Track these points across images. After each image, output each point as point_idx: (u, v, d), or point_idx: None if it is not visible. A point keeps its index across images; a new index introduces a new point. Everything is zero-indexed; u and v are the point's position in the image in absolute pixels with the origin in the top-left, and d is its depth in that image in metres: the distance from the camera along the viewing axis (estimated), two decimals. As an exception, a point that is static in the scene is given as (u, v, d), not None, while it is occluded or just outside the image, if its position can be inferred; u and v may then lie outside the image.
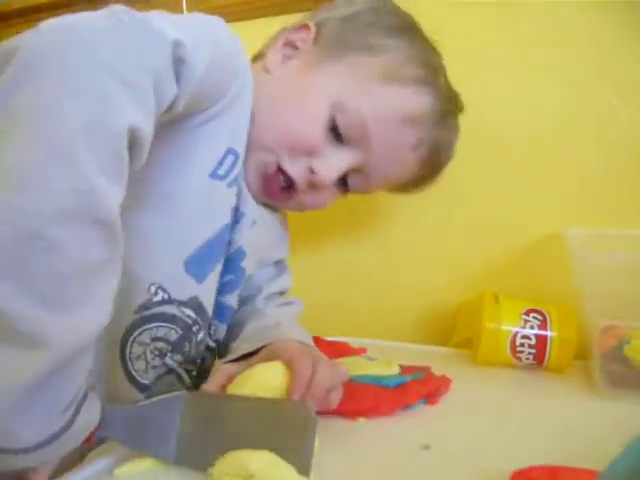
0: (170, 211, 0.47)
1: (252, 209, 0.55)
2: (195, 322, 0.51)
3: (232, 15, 0.78)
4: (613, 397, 0.53)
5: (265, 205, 0.59)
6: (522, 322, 0.60)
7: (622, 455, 0.27)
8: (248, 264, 0.56)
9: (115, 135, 0.30)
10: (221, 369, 0.45)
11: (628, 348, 0.54)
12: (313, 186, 0.55)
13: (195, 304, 0.50)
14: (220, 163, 0.48)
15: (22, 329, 0.27)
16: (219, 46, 0.43)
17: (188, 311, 0.50)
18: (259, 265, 0.60)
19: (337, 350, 0.65)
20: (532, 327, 0.59)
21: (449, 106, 0.57)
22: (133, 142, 0.32)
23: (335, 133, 0.53)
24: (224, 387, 0.42)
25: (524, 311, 0.60)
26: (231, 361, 0.49)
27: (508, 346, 0.60)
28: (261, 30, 0.62)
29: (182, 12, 0.87)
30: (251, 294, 0.60)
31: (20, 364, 0.27)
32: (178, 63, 0.36)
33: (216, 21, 0.46)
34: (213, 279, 0.52)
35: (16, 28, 1.06)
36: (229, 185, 0.50)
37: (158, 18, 0.36)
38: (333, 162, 0.54)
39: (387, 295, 0.79)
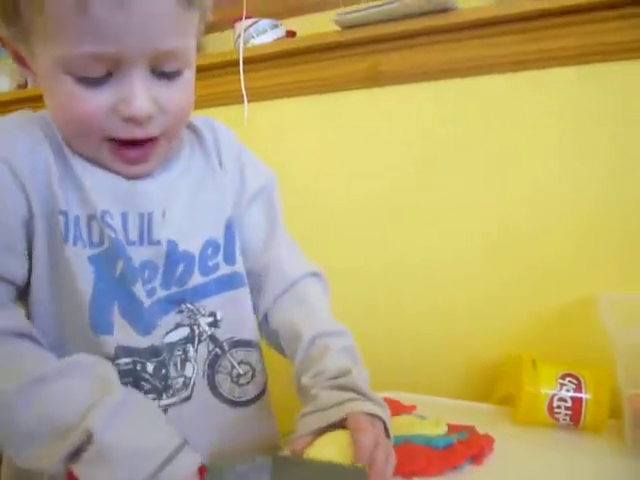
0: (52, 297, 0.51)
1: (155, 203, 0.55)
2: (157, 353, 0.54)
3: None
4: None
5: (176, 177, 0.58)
6: (558, 386, 0.66)
7: None
8: (188, 244, 0.57)
9: None
10: (299, 440, 0.50)
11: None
12: (146, 120, 0.49)
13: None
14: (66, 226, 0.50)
15: None
16: None
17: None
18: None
19: (391, 408, 0.72)
20: (568, 390, 0.65)
21: None
22: None
23: (87, 80, 0.47)
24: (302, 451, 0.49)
25: (560, 375, 0.66)
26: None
27: (546, 408, 0.66)
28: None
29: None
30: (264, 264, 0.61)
31: None
32: None
33: None
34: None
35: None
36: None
37: None
38: (127, 95, 0.47)
39: (433, 352, 0.86)
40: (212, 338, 0.58)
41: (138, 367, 0.52)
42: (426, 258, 0.89)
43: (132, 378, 0.52)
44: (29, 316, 0.51)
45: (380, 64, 0.90)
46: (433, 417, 0.67)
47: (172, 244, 0.55)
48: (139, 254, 0.53)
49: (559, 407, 0.65)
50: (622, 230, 0.77)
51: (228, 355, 0.59)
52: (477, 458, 0.58)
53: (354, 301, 0.93)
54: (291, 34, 1.05)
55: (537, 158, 0.82)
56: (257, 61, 0.98)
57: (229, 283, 0.60)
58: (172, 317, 0.55)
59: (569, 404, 0.65)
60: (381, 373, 0.86)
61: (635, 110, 0.76)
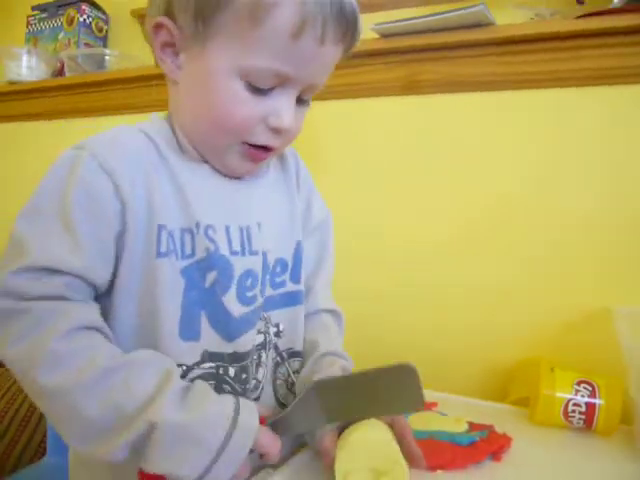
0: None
1: (252, 216, 0.61)
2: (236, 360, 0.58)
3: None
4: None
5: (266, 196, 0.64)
6: (574, 391, 0.70)
7: None
8: (272, 257, 0.63)
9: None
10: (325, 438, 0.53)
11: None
12: (285, 133, 0.57)
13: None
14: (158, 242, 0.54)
15: None
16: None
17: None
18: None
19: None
20: (582, 396, 0.70)
21: None
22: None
23: (258, 90, 0.54)
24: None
25: (576, 381, 0.71)
26: None
27: (561, 411, 0.70)
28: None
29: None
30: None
31: None
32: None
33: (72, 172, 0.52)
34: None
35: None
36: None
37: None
38: (281, 110, 0.55)
39: (453, 352, 0.91)
40: (275, 347, 0.63)
41: (221, 371, 0.57)
42: (447, 263, 0.93)
43: (215, 381, 0.56)
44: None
45: (417, 73, 0.93)
46: (453, 415, 0.71)
47: (265, 255, 0.62)
48: (243, 263, 0.59)
49: (574, 411, 0.70)
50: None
51: (286, 364, 0.65)
52: (496, 455, 0.62)
53: (377, 300, 0.97)
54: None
55: (565, 171, 0.86)
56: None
57: (292, 299, 0.66)
58: (257, 324, 0.60)
59: (583, 409, 0.69)
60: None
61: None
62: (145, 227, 0.53)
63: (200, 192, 0.57)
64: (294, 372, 0.65)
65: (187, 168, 0.58)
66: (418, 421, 0.69)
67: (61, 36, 1.40)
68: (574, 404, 0.70)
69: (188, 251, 0.56)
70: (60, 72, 1.36)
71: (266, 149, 0.58)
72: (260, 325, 0.61)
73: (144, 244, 0.53)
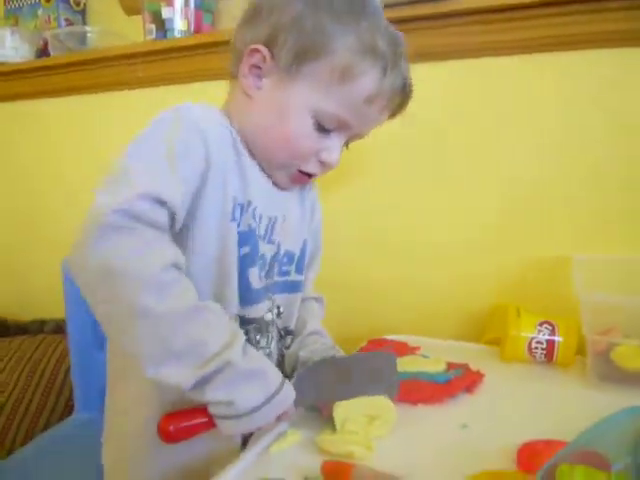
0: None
1: (281, 209, 0.73)
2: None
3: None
4: (601, 389, 0.73)
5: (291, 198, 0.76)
6: (537, 331, 0.81)
7: (590, 427, 0.49)
8: (284, 249, 0.75)
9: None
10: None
11: (613, 353, 0.75)
12: (328, 168, 0.70)
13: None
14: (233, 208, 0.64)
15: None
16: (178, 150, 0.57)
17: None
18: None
19: (398, 348, 0.87)
20: (544, 334, 0.80)
21: (396, 63, 0.66)
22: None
23: (323, 129, 0.66)
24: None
25: (538, 322, 0.81)
26: None
27: (526, 348, 0.81)
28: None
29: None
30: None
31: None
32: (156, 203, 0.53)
33: (171, 125, 0.60)
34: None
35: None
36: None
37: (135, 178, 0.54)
38: (333, 149, 0.68)
39: (435, 299, 1.01)
40: (275, 325, 0.74)
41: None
42: (431, 223, 1.02)
43: None
44: None
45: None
46: (434, 357, 0.82)
47: (279, 246, 0.73)
48: (263, 248, 0.70)
49: (536, 348, 0.80)
50: (600, 198, 0.90)
51: (283, 340, 0.77)
52: (470, 388, 0.73)
53: (367, 255, 1.07)
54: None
55: (522, 131, 0.93)
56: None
57: (294, 287, 0.78)
58: (266, 302, 0.71)
59: (544, 345, 0.80)
60: (391, 318, 1.03)
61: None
62: (220, 193, 0.62)
63: (252, 177, 0.67)
64: (286, 347, 0.77)
65: (244, 154, 0.67)
66: (402, 364, 0.79)
67: (40, 12, 1.41)
68: (537, 342, 0.80)
69: (239, 221, 0.65)
70: (44, 50, 1.38)
71: (309, 176, 0.71)
72: (269, 304, 0.72)
73: (220, 208, 0.62)
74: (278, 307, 0.75)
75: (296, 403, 0.58)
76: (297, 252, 0.78)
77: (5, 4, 1.46)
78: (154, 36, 1.19)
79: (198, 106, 0.65)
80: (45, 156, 1.44)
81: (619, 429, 0.53)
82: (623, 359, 0.74)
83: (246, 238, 0.66)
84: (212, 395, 0.52)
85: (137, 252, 0.51)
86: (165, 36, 1.18)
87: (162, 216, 0.54)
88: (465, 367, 0.78)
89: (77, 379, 1.09)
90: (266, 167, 0.70)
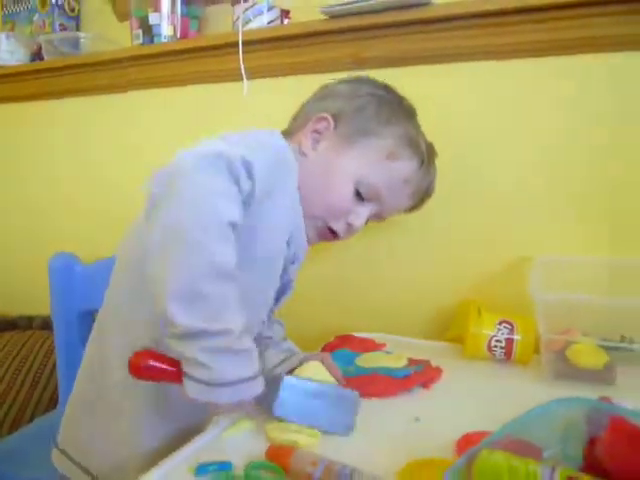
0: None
1: (300, 252, 0.80)
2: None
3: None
4: (556, 386, 0.75)
5: None
6: (496, 330, 0.83)
7: (519, 417, 0.51)
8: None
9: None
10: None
11: (568, 351, 0.77)
12: (352, 231, 0.82)
13: None
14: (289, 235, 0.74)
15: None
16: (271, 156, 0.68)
17: None
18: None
19: (364, 345, 0.90)
20: (503, 333, 0.83)
21: (429, 162, 0.84)
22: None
23: (359, 196, 0.79)
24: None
25: (498, 321, 0.84)
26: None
27: (486, 346, 0.83)
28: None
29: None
30: None
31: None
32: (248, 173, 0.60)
33: (263, 133, 0.73)
34: None
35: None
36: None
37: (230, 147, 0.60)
38: (361, 215, 0.81)
39: (403, 299, 1.04)
40: None
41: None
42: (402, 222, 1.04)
43: None
44: None
45: (364, 51, 1.02)
46: (397, 353, 0.85)
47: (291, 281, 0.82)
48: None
49: (496, 346, 0.83)
50: (564, 199, 0.92)
51: None
52: (427, 384, 0.75)
53: (337, 252, 1.10)
54: (285, 13, 1.16)
55: (491, 133, 0.96)
56: (255, 43, 1.09)
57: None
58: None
59: (503, 344, 0.82)
60: (361, 316, 1.05)
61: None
62: (284, 221, 0.73)
63: (297, 214, 0.77)
64: None
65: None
66: (366, 360, 0.82)
67: (36, 17, 1.45)
68: (496, 340, 0.83)
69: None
70: (38, 54, 1.43)
71: (334, 235, 0.81)
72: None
73: (282, 232, 0.73)
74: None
75: (257, 400, 0.60)
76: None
77: (3, 9, 1.51)
78: (141, 41, 1.23)
79: (288, 147, 0.75)
80: (38, 157, 1.48)
81: (550, 419, 0.56)
82: (577, 357, 0.76)
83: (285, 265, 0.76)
84: (197, 354, 0.53)
85: (218, 193, 0.57)
86: (152, 41, 1.22)
87: (246, 184, 0.60)
88: (426, 363, 0.81)
89: (62, 373, 1.12)
90: (304, 215, 0.77)
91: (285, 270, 0.77)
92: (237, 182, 0.59)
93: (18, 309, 1.44)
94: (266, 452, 0.55)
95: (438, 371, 0.79)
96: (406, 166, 0.80)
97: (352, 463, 0.51)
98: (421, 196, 0.86)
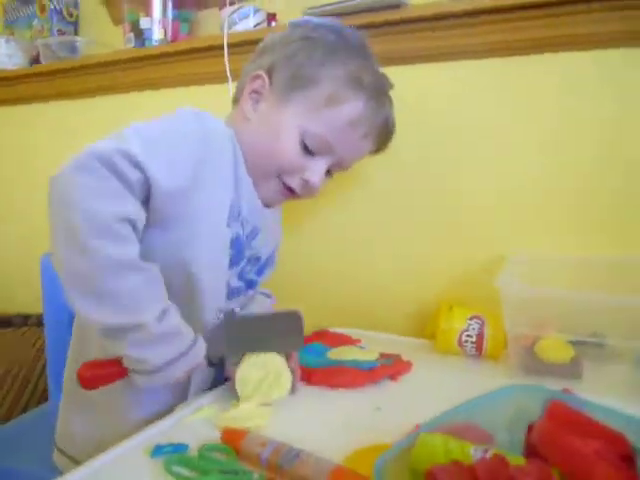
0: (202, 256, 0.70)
1: (263, 223, 0.80)
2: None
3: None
4: (524, 380, 0.75)
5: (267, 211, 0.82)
6: (466, 325, 0.84)
7: (467, 402, 0.52)
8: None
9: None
10: None
11: (537, 346, 0.78)
12: (310, 188, 0.78)
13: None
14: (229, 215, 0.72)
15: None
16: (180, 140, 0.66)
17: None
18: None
19: (339, 340, 0.91)
20: (473, 328, 0.83)
21: (379, 96, 0.77)
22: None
23: (308, 150, 0.75)
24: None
25: (469, 316, 0.85)
26: None
27: (456, 341, 0.84)
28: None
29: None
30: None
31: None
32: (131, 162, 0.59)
33: (184, 118, 0.69)
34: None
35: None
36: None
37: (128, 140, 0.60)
38: (316, 170, 0.76)
39: (381, 297, 1.05)
40: None
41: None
42: (382, 220, 1.06)
43: None
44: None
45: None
46: (369, 348, 0.86)
47: (257, 250, 0.81)
48: (246, 252, 0.78)
49: (466, 341, 0.84)
50: (543, 197, 0.93)
51: None
52: (394, 376, 0.76)
53: (319, 247, 1.11)
54: (272, 17, 1.18)
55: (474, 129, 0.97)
56: (241, 45, 1.11)
57: (251, 285, 0.84)
58: (241, 298, 0.81)
59: (474, 339, 0.83)
60: (342, 313, 1.07)
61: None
62: (217, 200, 0.70)
63: (245, 190, 0.74)
64: None
65: (242, 168, 0.74)
66: (336, 353, 0.83)
67: (35, 23, 1.49)
68: (467, 335, 0.84)
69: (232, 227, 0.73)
70: (36, 59, 1.46)
71: (292, 192, 0.78)
72: (243, 300, 0.83)
73: (217, 213, 0.70)
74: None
75: (207, 355, 0.64)
76: (263, 258, 0.85)
77: (4, 14, 1.55)
78: (133, 45, 1.26)
79: (214, 119, 0.73)
80: (32, 159, 1.52)
81: (500, 404, 0.57)
82: (544, 352, 0.77)
83: (234, 244, 0.74)
84: (125, 351, 0.58)
85: (98, 195, 0.57)
86: (143, 45, 1.25)
87: (133, 175, 0.59)
88: (396, 357, 0.82)
89: (52, 369, 1.14)
90: (255, 181, 0.76)
91: (249, 246, 0.78)
92: (119, 176, 0.58)
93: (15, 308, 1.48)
94: (221, 436, 0.56)
95: (407, 365, 0.80)
96: (349, 108, 0.74)
97: (305, 447, 0.53)
98: (378, 135, 0.80)
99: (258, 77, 0.76)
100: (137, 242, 0.60)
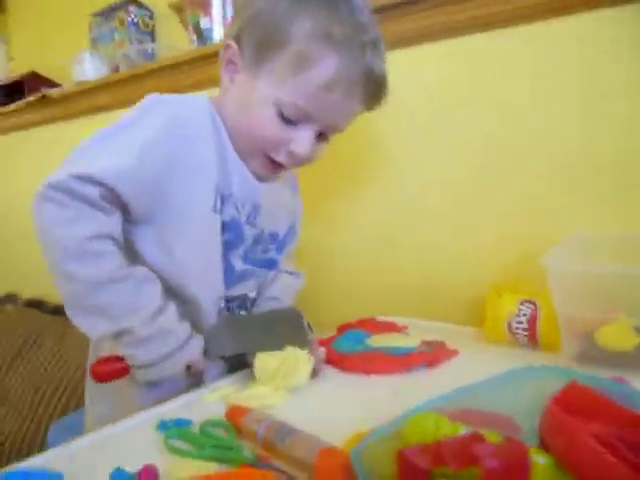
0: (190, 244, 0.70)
1: (264, 197, 0.77)
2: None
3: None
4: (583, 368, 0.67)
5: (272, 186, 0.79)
6: (517, 310, 0.76)
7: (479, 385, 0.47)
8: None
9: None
10: None
11: (597, 333, 0.69)
12: (299, 159, 0.72)
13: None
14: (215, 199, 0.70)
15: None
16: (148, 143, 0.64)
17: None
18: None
19: (383, 327, 0.87)
20: (524, 313, 0.76)
21: (355, 49, 0.65)
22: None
23: (288, 120, 0.68)
24: None
25: (520, 301, 0.77)
26: None
27: (506, 328, 0.77)
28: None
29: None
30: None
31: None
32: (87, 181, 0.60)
33: (147, 111, 0.67)
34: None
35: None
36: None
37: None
38: (302, 140, 0.69)
39: (431, 285, 0.99)
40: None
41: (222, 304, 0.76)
42: (431, 208, 1.00)
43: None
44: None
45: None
46: (413, 335, 0.81)
47: (262, 230, 0.79)
48: (246, 233, 0.76)
49: (517, 327, 0.76)
50: (598, 176, 0.83)
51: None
52: (431, 363, 0.71)
53: (375, 240, 1.08)
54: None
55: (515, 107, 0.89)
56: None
57: (271, 264, 0.84)
58: (252, 281, 0.80)
59: (525, 325, 0.76)
60: (390, 302, 1.02)
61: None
62: (199, 186, 0.69)
63: (233, 168, 0.72)
64: None
65: (228, 147, 0.72)
66: (376, 340, 0.80)
67: (116, 36, 1.60)
68: (517, 321, 0.76)
69: (220, 211, 0.72)
70: (117, 69, 1.57)
71: (281, 166, 0.73)
72: (255, 282, 0.81)
73: (201, 200, 0.69)
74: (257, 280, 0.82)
75: (211, 353, 0.65)
76: (281, 234, 0.84)
77: (90, 31, 1.67)
78: (195, 45, 1.30)
79: (186, 99, 0.72)
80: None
81: (517, 388, 0.51)
82: (606, 338, 0.68)
83: (229, 227, 0.73)
84: (124, 349, 0.64)
85: (62, 222, 0.60)
86: (204, 45, 1.29)
87: (92, 192, 0.60)
88: (439, 344, 0.77)
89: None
90: (243, 157, 0.73)
91: (253, 225, 0.77)
92: (80, 199, 0.60)
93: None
94: (225, 413, 0.55)
95: (449, 352, 0.74)
96: (320, 70, 0.64)
97: (309, 429, 0.50)
98: (363, 91, 0.69)
99: (228, 47, 0.70)
100: (117, 252, 0.63)
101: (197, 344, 0.66)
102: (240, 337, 0.67)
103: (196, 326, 0.70)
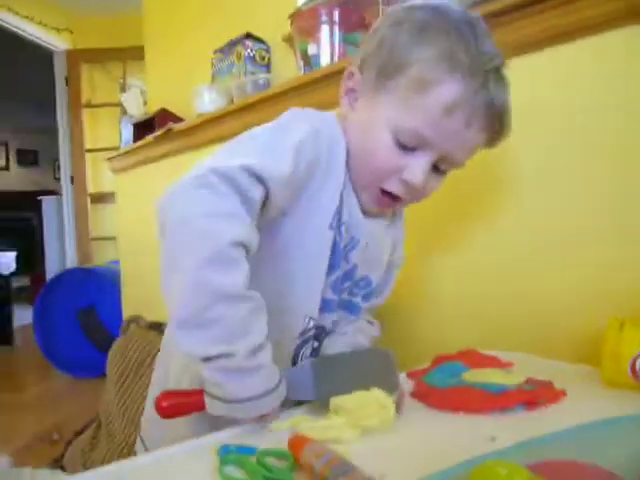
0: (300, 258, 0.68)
1: (365, 235, 0.74)
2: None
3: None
4: None
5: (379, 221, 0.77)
6: (642, 348, 0.65)
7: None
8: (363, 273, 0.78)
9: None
10: None
11: None
12: (414, 190, 0.68)
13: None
14: (333, 217, 0.69)
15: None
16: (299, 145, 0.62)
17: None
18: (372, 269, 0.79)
19: (484, 361, 0.78)
20: (653, 353, 0.64)
21: (480, 76, 0.62)
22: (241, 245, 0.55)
23: (404, 146, 0.66)
24: None
25: (647, 338, 0.65)
26: None
27: (629, 369, 0.65)
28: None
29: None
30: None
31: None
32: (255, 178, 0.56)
33: (300, 121, 0.66)
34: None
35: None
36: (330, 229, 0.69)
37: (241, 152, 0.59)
38: (416, 168, 0.66)
39: (543, 318, 0.88)
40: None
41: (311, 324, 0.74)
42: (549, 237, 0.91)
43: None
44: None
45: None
46: (517, 372, 0.72)
47: (355, 267, 0.77)
48: (342, 263, 0.74)
49: (642, 369, 0.64)
50: None
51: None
52: (531, 404, 0.62)
53: (486, 270, 0.99)
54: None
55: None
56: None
57: (353, 310, 0.81)
58: (334, 314, 0.77)
59: (653, 367, 0.64)
60: (497, 334, 0.93)
61: None
62: (325, 201, 0.68)
63: (347, 197, 0.71)
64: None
65: (347, 174, 0.71)
66: (473, 375, 0.72)
67: (234, 70, 1.69)
68: (643, 362, 0.64)
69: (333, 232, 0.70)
70: (233, 101, 1.64)
71: (394, 198, 0.70)
72: (335, 316, 0.78)
73: (322, 214, 0.68)
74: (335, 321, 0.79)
75: (289, 397, 0.59)
76: (374, 281, 0.81)
77: (212, 67, 1.78)
78: (302, 72, 1.32)
79: (325, 113, 0.73)
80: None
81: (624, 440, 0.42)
82: None
83: (332, 248, 0.71)
84: (210, 373, 0.55)
85: (215, 214, 0.54)
86: (311, 70, 1.30)
87: (257, 192, 0.57)
88: (544, 384, 0.67)
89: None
90: (355, 188, 0.72)
91: (345, 257, 0.73)
92: (241, 193, 0.55)
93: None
94: (288, 441, 0.52)
95: (555, 394, 0.64)
96: (442, 91, 0.62)
97: (379, 466, 0.46)
98: (485, 122, 0.65)
99: (350, 74, 0.71)
100: (247, 265, 0.56)
101: (280, 394, 0.58)
102: (325, 381, 0.61)
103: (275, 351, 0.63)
